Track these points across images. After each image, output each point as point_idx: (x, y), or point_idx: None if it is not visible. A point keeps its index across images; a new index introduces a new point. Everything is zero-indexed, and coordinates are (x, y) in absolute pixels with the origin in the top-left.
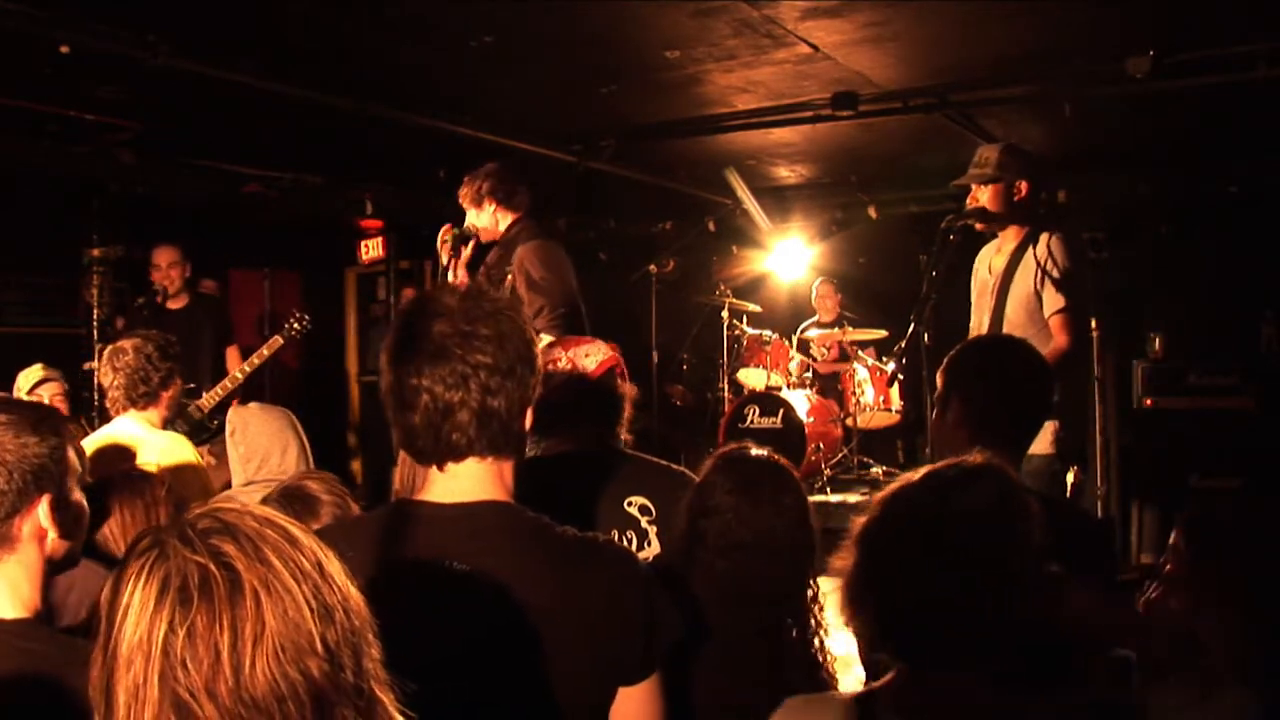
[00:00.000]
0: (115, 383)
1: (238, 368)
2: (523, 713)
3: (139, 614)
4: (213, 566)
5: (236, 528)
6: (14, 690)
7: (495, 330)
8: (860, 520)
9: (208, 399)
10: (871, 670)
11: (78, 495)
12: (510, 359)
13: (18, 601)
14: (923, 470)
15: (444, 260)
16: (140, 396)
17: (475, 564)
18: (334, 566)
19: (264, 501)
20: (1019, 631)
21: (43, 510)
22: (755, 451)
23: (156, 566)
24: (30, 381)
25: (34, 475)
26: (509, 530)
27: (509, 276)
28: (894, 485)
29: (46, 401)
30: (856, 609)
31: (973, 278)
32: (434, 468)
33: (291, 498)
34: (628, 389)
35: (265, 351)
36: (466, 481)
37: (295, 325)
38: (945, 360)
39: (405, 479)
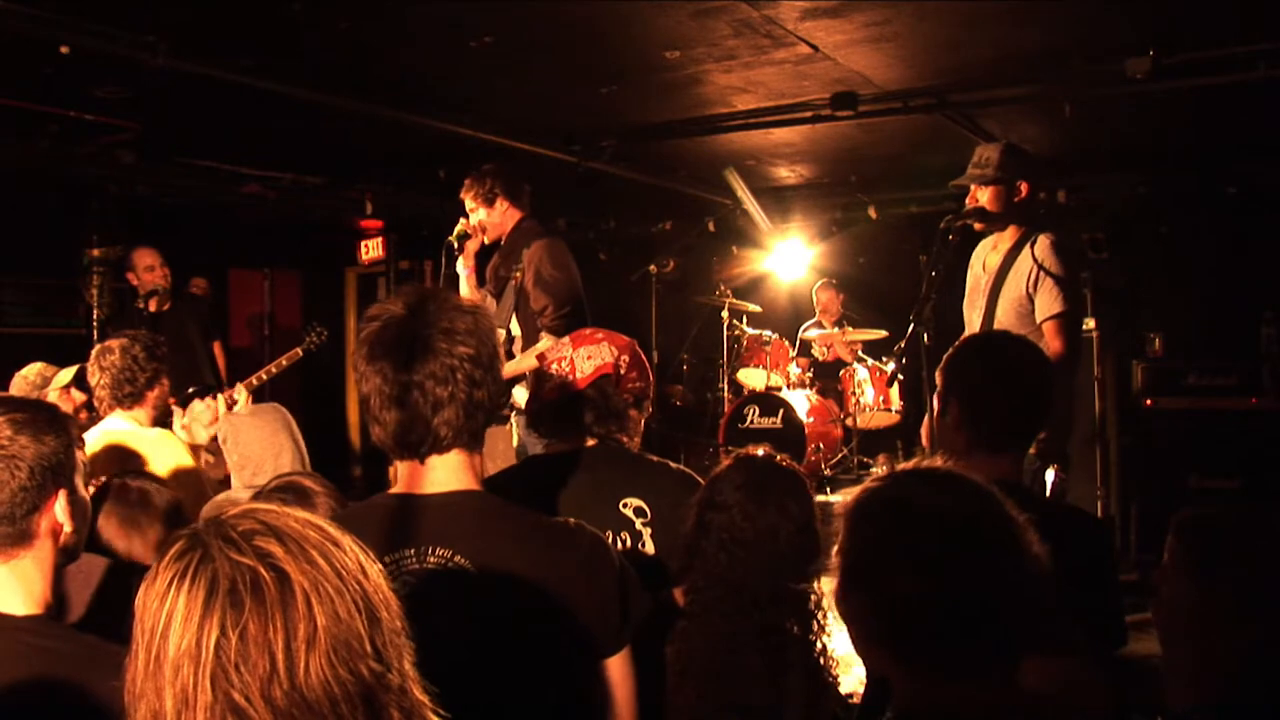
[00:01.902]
0: (101, 382)
1: (254, 374)
2: (511, 688)
3: (185, 618)
4: (262, 569)
5: (280, 529)
6: (29, 687)
7: (473, 324)
8: (849, 526)
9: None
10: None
11: (83, 491)
12: (489, 352)
13: (30, 598)
14: (892, 473)
15: (467, 263)
16: (125, 397)
17: (457, 551)
18: (373, 567)
19: (257, 496)
20: (1033, 634)
21: (60, 506)
22: (772, 456)
23: (201, 569)
24: (66, 379)
25: (52, 472)
26: (487, 517)
27: (516, 274)
28: (872, 488)
29: (74, 399)
30: (858, 613)
31: (969, 273)
32: (412, 462)
33: (286, 492)
34: (636, 388)
35: (284, 362)
36: (443, 473)
37: (314, 339)
38: (944, 360)
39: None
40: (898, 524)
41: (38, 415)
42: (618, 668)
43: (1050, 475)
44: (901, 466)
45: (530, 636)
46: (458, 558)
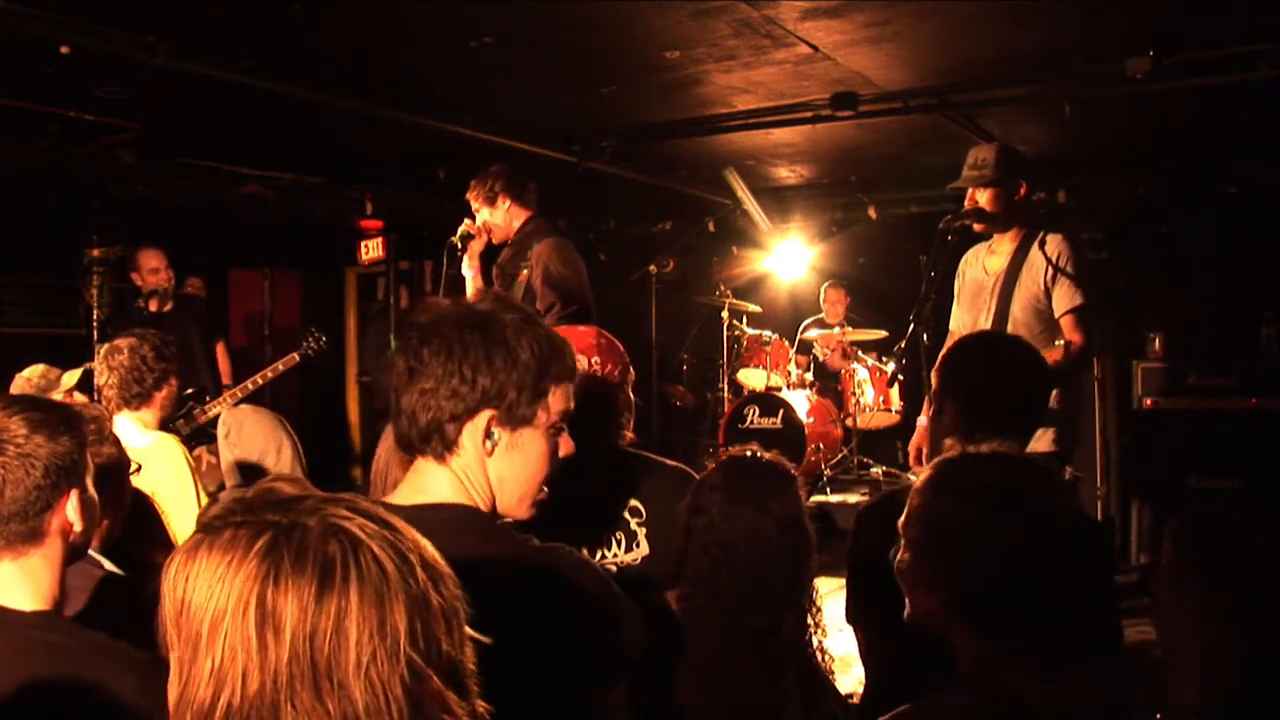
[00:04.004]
0: (109, 382)
1: (250, 378)
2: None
3: (362, 617)
4: (351, 553)
5: (391, 523)
6: (35, 681)
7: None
8: (937, 497)
9: (214, 406)
10: (874, 670)
11: (93, 491)
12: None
13: (39, 594)
14: (981, 453)
15: (472, 264)
16: (133, 397)
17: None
18: (449, 574)
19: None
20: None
21: (71, 505)
22: (757, 454)
23: (356, 560)
24: (71, 382)
25: (65, 471)
26: (464, 535)
27: (523, 272)
28: (963, 463)
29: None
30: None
31: (959, 279)
32: (414, 464)
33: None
34: (614, 375)
35: (280, 366)
36: (429, 479)
37: (313, 344)
38: (938, 360)
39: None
40: (998, 504)
41: (53, 414)
42: (608, 705)
43: (1065, 474)
44: (982, 448)
45: (500, 664)
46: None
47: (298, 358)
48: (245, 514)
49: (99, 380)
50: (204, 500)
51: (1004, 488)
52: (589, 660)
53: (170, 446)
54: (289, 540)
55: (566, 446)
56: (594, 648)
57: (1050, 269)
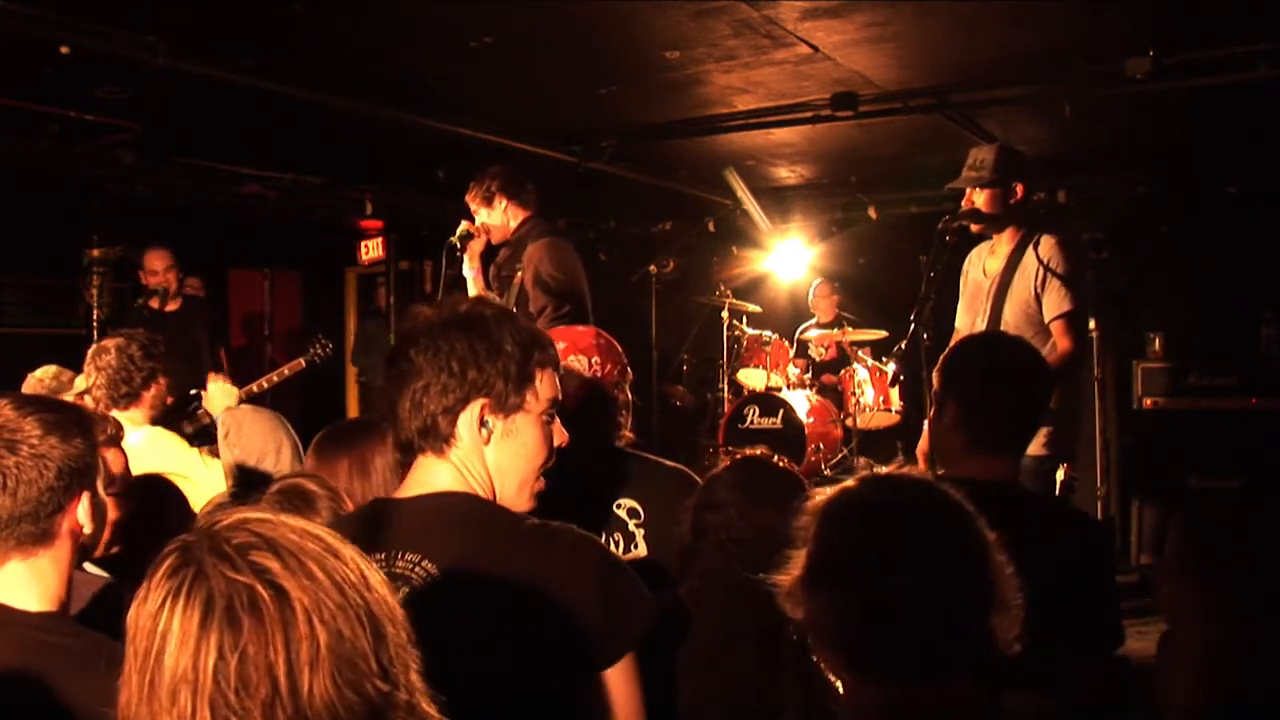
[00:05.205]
0: (97, 383)
1: (255, 381)
2: (481, 700)
3: (181, 641)
4: (259, 586)
5: (276, 542)
6: (38, 682)
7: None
8: (817, 527)
9: None
10: None
11: (103, 494)
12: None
13: (45, 595)
14: (863, 478)
15: (473, 264)
16: (121, 397)
17: (426, 556)
18: (376, 577)
19: (260, 499)
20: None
21: (82, 508)
22: (768, 456)
23: (196, 587)
24: (83, 385)
25: (78, 474)
26: (465, 520)
27: (518, 274)
28: (839, 490)
29: (89, 406)
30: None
31: (962, 279)
32: (413, 463)
33: (290, 495)
34: (613, 376)
35: (286, 371)
36: (427, 473)
37: (319, 351)
38: (940, 361)
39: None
40: (863, 526)
41: (66, 416)
42: (616, 680)
43: (1060, 475)
44: (876, 471)
45: (501, 645)
46: (425, 562)
47: (304, 364)
48: (186, 534)
49: (87, 381)
50: (209, 464)
51: (892, 513)
52: (592, 637)
53: (160, 437)
54: (188, 566)
55: (561, 436)
56: (597, 623)
57: (1041, 272)
